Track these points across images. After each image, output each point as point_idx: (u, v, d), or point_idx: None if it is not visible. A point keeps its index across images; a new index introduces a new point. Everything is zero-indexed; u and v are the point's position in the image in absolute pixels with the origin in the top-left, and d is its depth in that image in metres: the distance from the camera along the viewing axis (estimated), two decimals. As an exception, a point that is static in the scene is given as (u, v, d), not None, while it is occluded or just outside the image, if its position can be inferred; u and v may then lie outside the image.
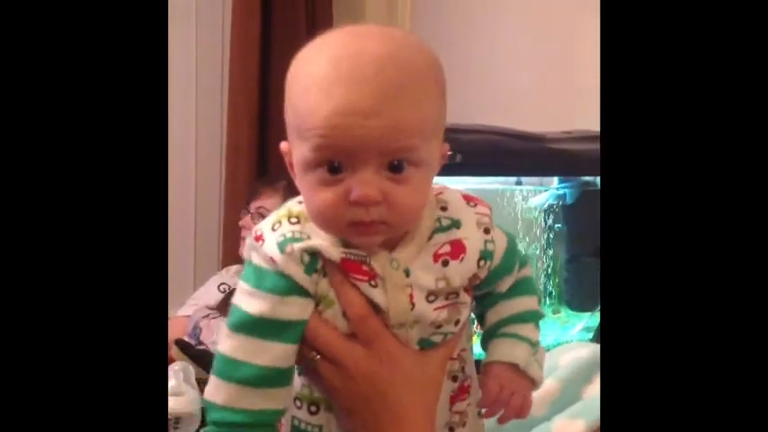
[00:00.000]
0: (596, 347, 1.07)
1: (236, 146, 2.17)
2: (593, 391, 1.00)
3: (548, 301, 1.76)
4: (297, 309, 0.66)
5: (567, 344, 1.25)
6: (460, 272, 0.67)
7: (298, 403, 0.71)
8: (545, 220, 1.73)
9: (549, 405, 1.00)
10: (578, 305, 1.73)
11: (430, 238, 0.67)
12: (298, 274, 0.65)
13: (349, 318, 0.66)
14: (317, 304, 0.67)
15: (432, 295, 0.67)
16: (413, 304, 0.66)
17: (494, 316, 0.74)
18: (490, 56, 2.18)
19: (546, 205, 1.72)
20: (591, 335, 1.64)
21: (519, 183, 1.69)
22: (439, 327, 0.68)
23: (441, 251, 0.67)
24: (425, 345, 0.69)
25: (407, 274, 0.66)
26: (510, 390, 0.71)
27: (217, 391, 0.66)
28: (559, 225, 1.73)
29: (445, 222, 0.68)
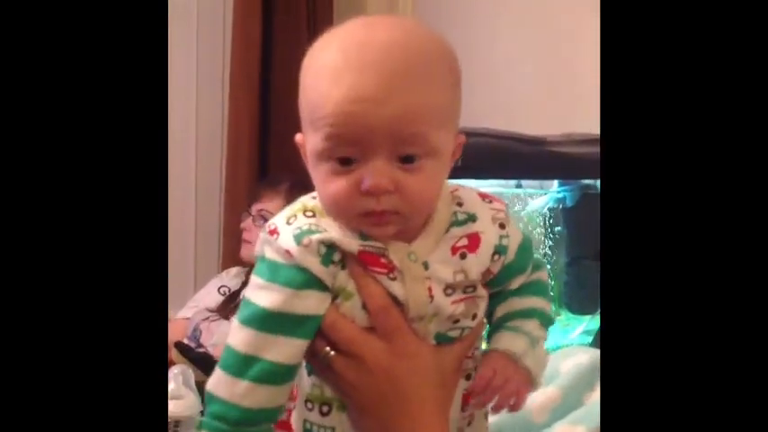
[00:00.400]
0: (597, 353, 1.06)
1: (237, 147, 2.17)
2: (596, 397, 1.00)
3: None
4: (313, 302, 0.65)
5: (568, 348, 1.24)
6: (477, 265, 0.68)
7: (309, 405, 0.70)
8: (545, 224, 1.73)
9: (551, 412, 1.00)
10: (578, 308, 1.73)
11: (447, 231, 0.67)
12: (315, 265, 0.64)
13: (369, 309, 0.66)
14: (334, 297, 0.66)
15: (449, 288, 0.67)
16: (431, 297, 0.66)
17: (501, 311, 0.74)
18: (491, 58, 2.18)
19: (546, 208, 1.72)
20: (591, 338, 1.64)
21: (519, 186, 1.69)
22: (456, 321, 0.68)
23: (458, 244, 0.67)
24: (442, 340, 0.68)
25: (426, 266, 0.66)
26: (503, 376, 0.70)
27: (222, 385, 0.65)
28: (560, 228, 1.72)
29: (461, 216, 0.68)
